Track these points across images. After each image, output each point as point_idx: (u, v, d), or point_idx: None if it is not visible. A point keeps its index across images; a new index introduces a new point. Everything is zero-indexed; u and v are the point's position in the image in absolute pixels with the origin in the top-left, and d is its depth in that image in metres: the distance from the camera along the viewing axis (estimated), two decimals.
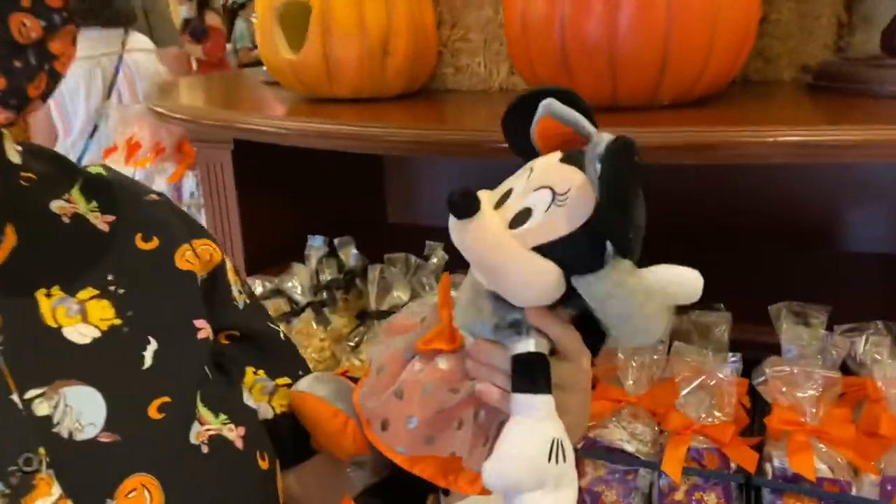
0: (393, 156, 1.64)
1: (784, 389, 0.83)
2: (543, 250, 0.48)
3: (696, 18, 0.83)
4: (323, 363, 1.01)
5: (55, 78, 0.52)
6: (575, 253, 0.48)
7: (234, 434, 0.56)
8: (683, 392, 0.84)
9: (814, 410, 0.81)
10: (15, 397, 0.49)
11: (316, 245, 1.13)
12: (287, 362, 0.66)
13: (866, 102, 0.89)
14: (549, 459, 0.48)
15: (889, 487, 0.76)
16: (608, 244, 0.47)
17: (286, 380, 0.65)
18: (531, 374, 0.50)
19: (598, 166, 0.46)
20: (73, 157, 1.73)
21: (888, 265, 1.27)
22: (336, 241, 1.11)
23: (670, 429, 0.84)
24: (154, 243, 0.59)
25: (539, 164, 0.52)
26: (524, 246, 0.48)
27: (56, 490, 0.48)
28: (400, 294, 0.98)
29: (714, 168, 1.25)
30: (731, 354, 0.87)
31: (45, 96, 0.52)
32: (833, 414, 0.82)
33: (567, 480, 0.49)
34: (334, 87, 1.09)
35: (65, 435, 0.50)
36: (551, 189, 0.49)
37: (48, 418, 0.49)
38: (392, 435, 0.55)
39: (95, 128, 2.10)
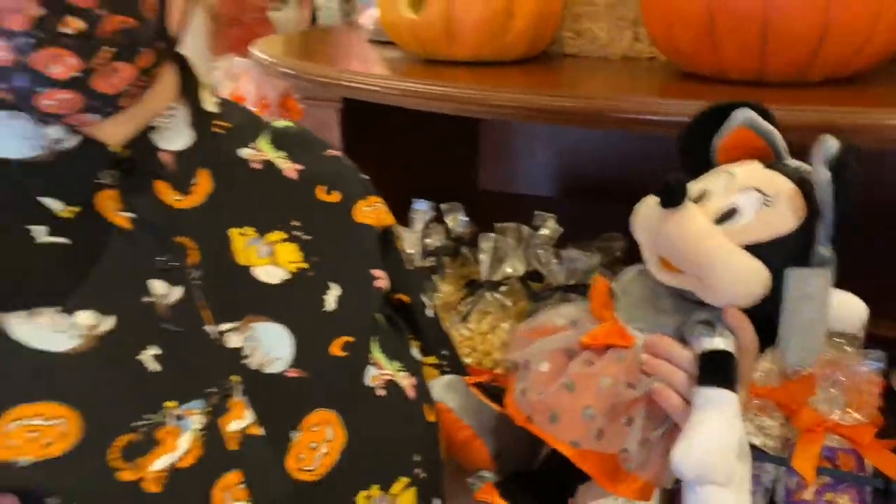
0: (489, 122, 1.61)
1: None
2: (753, 249, 0.48)
3: None
4: None
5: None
6: (787, 254, 0.48)
7: (406, 382, 0.59)
8: (821, 389, 0.80)
9: None
10: (209, 328, 0.52)
11: (422, 209, 1.11)
12: (435, 340, 0.68)
13: None
14: (738, 457, 0.45)
15: None
16: (820, 248, 0.46)
17: (433, 359, 0.67)
18: (724, 371, 0.48)
19: (824, 171, 0.47)
20: None
21: None
22: (443, 206, 1.09)
23: (801, 426, 0.80)
24: (335, 196, 0.63)
25: (741, 168, 0.52)
26: (735, 243, 0.47)
27: (249, 415, 0.51)
28: (515, 265, 0.96)
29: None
30: (871, 351, 0.82)
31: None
32: None
33: (747, 485, 0.46)
34: (454, 49, 1.05)
35: (254, 367, 0.53)
36: (760, 191, 0.49)
37: (239, 350, 0.53)
38: (564, 427, 0.54)
39: None
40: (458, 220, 1.06)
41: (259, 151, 0.62)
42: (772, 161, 0.53)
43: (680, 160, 0.58)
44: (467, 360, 0.95)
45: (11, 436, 0.45)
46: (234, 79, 1.64)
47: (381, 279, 0.62)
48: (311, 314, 0.57)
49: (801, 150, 0.61)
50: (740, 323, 0.52)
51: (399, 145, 1.36)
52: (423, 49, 1.09)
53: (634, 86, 1.05)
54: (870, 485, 0.77)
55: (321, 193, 0.63)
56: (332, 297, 0.58)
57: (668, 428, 0.51)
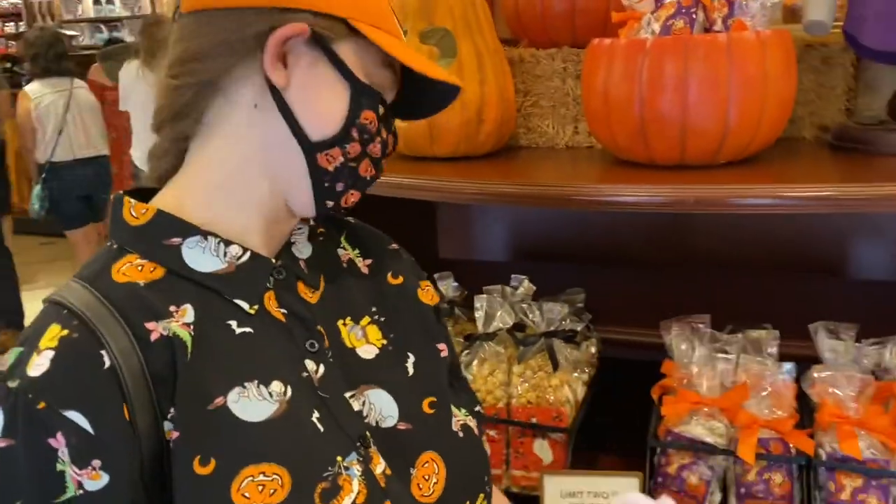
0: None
1: (830, 390, 1.04)
2: None
3: (750, 93, 1.04)
4: None
5: (377, 162, 0.71)
6: None
7: (472, 424, 0.76)
8: (752, 396, 1.05)
9: (855, 406, 1.02)
10: (346, 395, 0.67)
11: None
12: (467, 398, 0.81)
13: (877, 161, 1.11)
14: None
15: None
16: None
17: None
18: None
19: None
20: (48, 150, 3.99)
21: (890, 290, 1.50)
22: (436, 275, 1.31)
23: (741, 424, 1.05)
24: (400, 280, 0.78)
25: None
26: None
27: (382, 461, 0.67)
28: (504, 318, 1.18)
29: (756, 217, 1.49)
30: (784, 364, 1.08)
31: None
32: (869, 409, 1.03)
33: None
34: (434, 148, 1.29)
35: (373, 424, 0.68)
36: None
37: (360, 412, 0.68)
38: None
39: (61, 131, 4.02)
40: (450, 286, 1.28)
41: (346, 250, 0.77)
42: None
43: None
44: None
45: (246, 490, 0.59)
46: None
47: (444, 350, 0.78)
48: (401, 379, 0.72)
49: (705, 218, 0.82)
50: None
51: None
52: (408, 149, 1.32)
53: (577, 171, 1.30)
54: (795, 462, 1.02)
55: (390, 278, 0.78)
56: (409, 364, 0.73)
57: None
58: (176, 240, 0.64)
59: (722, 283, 1.54)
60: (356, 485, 0.63)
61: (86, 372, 0.58)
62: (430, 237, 1.89)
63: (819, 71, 1.29)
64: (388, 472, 0.67)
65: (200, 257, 0.65)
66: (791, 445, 1.03)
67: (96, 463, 0.57)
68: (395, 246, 0.83)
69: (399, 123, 0.74)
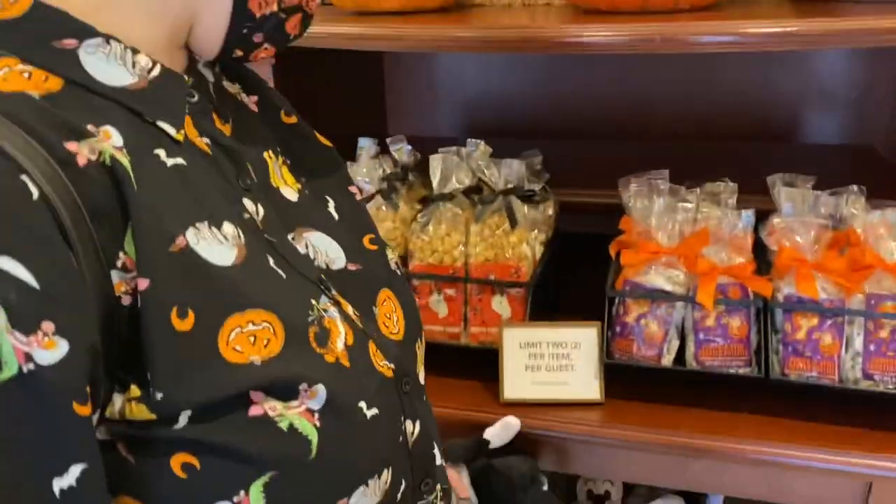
0: (394, 70, 1.77)
1: (788, 236, 1.03)
2: None
3: None
4: (394, 241, 1.17)
5: (307, 18, 0.61)
6: None
7: (395, 256, 0.71)
8: (711, 242, 1.04)
9: (814, 249, 1.02)
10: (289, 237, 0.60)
11: (367, 145, 1.27)
12: None
13: (840, 7, 1.09)
14: None
15: (873, 302, 0.98)
16: None
17: None
18: None
19: None
20: None
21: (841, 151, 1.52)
22: (388, 139, 1.25)
23: (699, 271, 1.04)
24: (294, 119, 0.70)
25: None
26: None
27: (349, 306, 0.61)
28: (461, 178, 1.14)
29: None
30: (745, 211, 1.07)
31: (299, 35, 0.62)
32: (826, 254, 1.03)
33: None
34: (383, 2, 1.21)
35: (323, 267, 0.62)
36: None
37: (307, 255, 0.61)
38: None
39: None
40: (403, 151, 1.22)
41: (231, 84, 0.66)
42: None
43: None
44: (430, 260, 1.13)
45: (236, 343, 0.50)
46: None
47: (356, 193, 0.71)
48: (330, 222, 0.65)
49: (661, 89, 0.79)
50: None
51: (314, 90, 1.48)
52: (354, 3, 1.24)
53: (537, 23, 1.24)
54: (753, 306, 1.03)
55: (283, 116, 0.68)
56: (332, 209, 0.66)
57: None
58: (70, 42, 0.50)
59: (680, 151, 1.53)
60: (341, 326, 0.57)
61: (10, 205, 0.42)
62: (378, 118, 1.82)
63: None
64: (357, 312, 0.62)
65: (105, 66, 0.51)
66: (749, 290, 1.03)
67: (48, 326, 0.42)
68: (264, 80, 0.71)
69: None
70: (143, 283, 0.47)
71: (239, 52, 0.60)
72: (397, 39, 1.12)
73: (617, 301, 1.08)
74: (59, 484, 0.43)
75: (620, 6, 1.07)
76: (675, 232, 1.06)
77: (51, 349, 0.42)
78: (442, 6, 1.27)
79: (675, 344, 1.05)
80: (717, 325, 1.03)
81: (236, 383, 0.49)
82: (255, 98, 0.68)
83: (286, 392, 0.51)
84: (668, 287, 1.04)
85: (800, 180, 1.12)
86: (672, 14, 1.06)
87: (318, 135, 0.72)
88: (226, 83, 0.65)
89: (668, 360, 1.05)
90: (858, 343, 0.99)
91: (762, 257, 1.08)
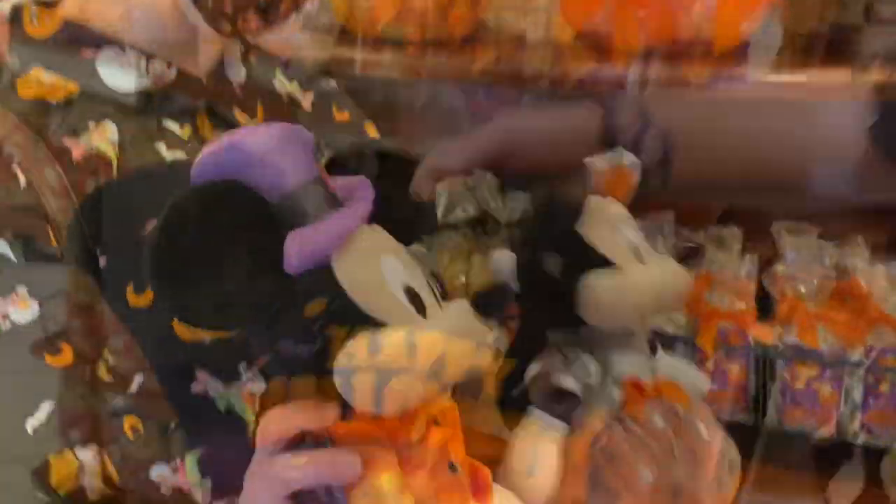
0: None
1: (792, 285, 1.03)
2: None
3: None
4: None
5: None
6: None
7: None
8: (715, 288, 1.04)
9: (815, 301, 1.02)
10: None
11: None
12: None
13: None
14: None
15: (874, 354, 0.98)
16: None
17: None
18: None
19: None
20: None
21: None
22: None
23: (701, 315, 1.04)
24: (346, 116, 0.74)
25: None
26: None
27: None
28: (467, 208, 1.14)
29: None
30: (748, 258, 1.07)
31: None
32: (829, 304, 1.03)
33: None
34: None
35: None
36: None
37: None
38: None
39: None
40: None
41: (282, 84, 0.70)
42: None
43: None
44: None
45: None
46: None
47: None
48: None
49: None
50: None
51: None
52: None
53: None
54: (753, 353, 1.03)
55: (335, 113, 0.72)
56: None
57: None
58: (88, 52, 0.58)
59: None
60: None
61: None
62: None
63: None
64: None
65: (118, 72, 0.59)
66: (750, 337, 1.03)
67: (21, 290, 0.51)
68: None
69: None
70: (102, 261, 0.54)
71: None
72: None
73: None
74: None
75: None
76: None
77: (23, 308, 0.51)
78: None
79: None
80: (717, 370, 1.02)
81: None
82: (310, 94, 0.73)
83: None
84: (670, 329, 1.04)
85: (804, 229, 1.12)
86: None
87: (370, 129, 0.76)
88: (277, 82, 0.70)
89: None
90: (857, 395, 0.99)
91: (765, 303, 1.08)
